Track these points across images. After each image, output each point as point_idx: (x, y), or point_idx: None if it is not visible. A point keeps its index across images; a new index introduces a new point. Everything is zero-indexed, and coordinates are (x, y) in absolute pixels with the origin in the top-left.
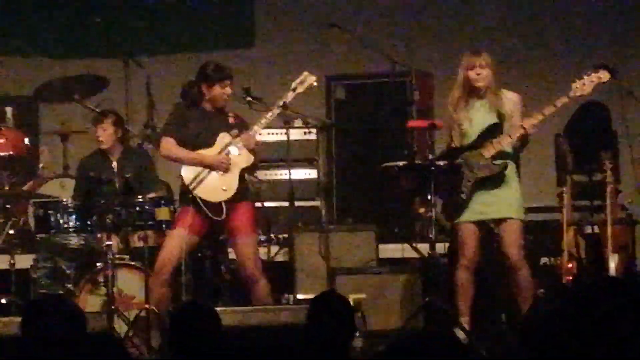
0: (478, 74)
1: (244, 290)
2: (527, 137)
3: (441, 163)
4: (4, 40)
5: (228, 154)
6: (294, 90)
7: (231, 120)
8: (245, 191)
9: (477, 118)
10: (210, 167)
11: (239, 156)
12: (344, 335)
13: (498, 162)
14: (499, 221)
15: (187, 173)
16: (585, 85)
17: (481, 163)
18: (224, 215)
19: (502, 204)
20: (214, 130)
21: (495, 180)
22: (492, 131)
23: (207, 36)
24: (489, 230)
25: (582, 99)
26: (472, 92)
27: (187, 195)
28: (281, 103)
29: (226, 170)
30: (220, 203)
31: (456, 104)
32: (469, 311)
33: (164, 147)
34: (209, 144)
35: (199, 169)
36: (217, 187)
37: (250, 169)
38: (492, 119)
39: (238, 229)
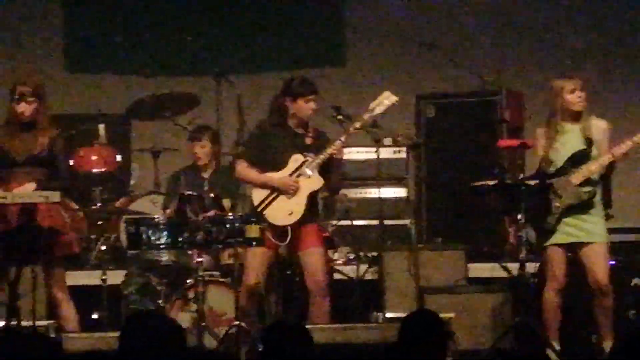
0: (579, 97)
1: (333, 306)
2: (614, 164)
3: (532, 183)
4: (97, 59)
5: (298, 176)
6: (371, 111)
7: (309, 141)
8: (313, 215)
9: (569, 142)
10: (278, 190)
11: (310, 179)
12: (436, 356)
13: (586, 189)
14: (585, 245)
15: (257, 194)
16: None
17: (569, 190)
18: (288, 240)
19: (590, 228)
20: (289, 152)
21: (582, 207)
22: (580, 157)
23: (298, 54)
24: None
25: None
26: (567, 115)
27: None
28: (357, 125)
29: (294, 193)
30: (285, 227)
31: (551, 127)
32: (558, 333)
33: (237, 169)
34: (282, 165)
35: (268, 191)
36: (283, 210)
37: (332, 191)
38: (582, 144)
39: (305, 242)
